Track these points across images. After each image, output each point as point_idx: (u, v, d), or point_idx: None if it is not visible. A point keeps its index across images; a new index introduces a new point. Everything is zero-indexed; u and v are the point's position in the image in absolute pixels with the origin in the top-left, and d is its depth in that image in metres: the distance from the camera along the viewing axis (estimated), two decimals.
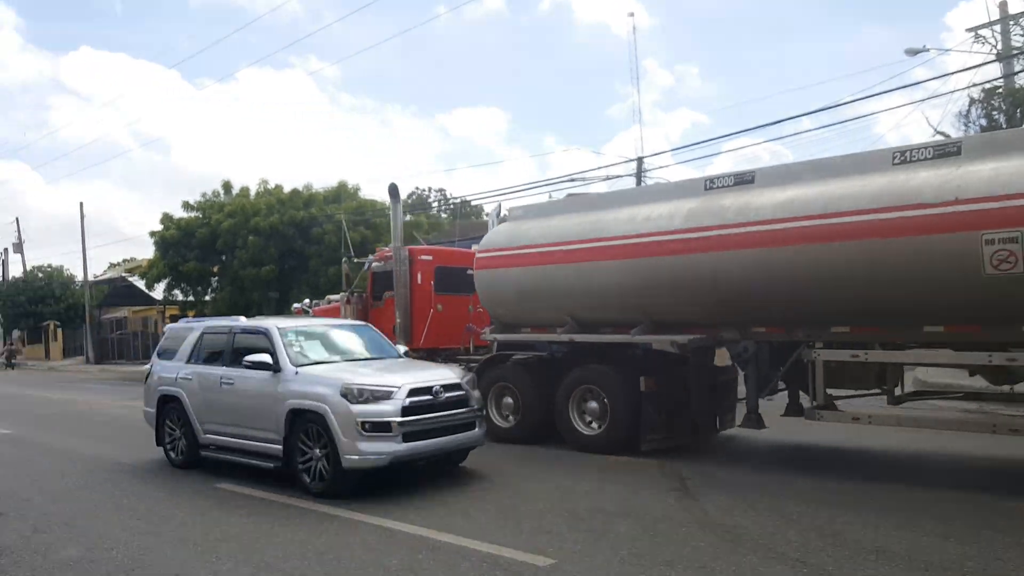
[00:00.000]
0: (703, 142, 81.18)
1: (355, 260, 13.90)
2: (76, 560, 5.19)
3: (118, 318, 41.25)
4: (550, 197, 29.29)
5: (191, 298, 28.76)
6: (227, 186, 27.27)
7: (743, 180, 7.20)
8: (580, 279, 7.94)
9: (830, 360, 6.48)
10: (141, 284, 30.88)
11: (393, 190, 11.67)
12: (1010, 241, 5.12)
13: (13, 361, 49.20)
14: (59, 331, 45.28)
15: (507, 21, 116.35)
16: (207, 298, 28.99)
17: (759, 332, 7.06)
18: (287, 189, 25.98)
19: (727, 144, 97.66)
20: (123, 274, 42.09)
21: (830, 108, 20.89)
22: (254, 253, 23.97)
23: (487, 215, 11.20)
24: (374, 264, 11.75)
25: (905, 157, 6.07)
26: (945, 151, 5.85)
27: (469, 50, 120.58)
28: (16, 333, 43.35)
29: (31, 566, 5.14)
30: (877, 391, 6.71)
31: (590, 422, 7.90)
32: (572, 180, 20.21)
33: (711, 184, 7.38)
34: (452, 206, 37.20)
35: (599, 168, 75.50)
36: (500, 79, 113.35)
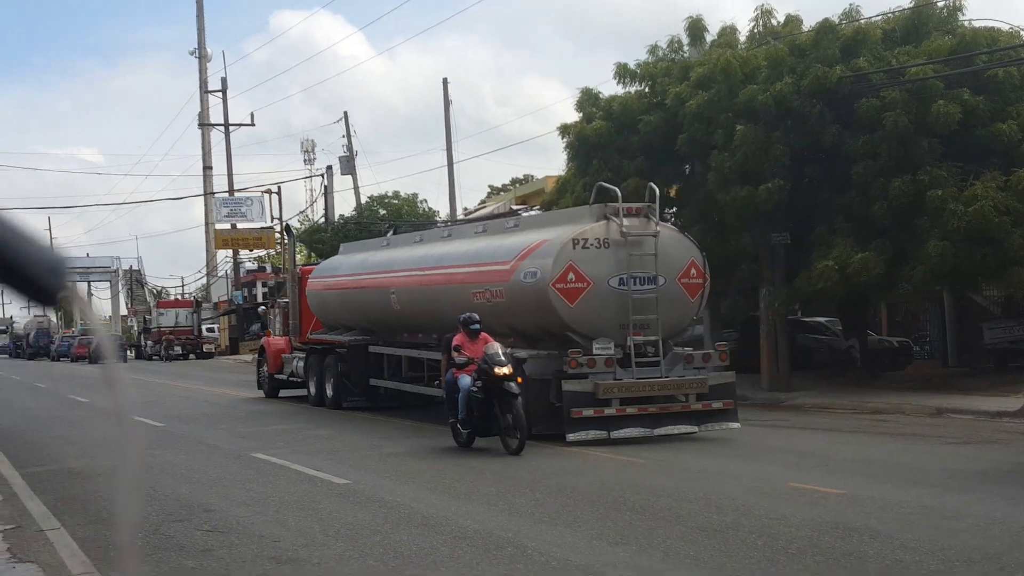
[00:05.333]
0: None
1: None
2: None
3: None
4: None
5: None
6: (695, 28, 27.64)
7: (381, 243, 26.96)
8: (340, 299, 25.71)
9: (384, 353, 24.37)
10: None
11: (288, 229, 34.30)
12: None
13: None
14: None
15: None
16: None
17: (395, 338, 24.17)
18: (807, 25, 25.83)
19: None
20: (512, 206, 45.87)
21: None
22: (744, 156, 24.04)
23: None
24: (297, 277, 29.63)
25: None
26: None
27: None
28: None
29: None
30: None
31: (334, 389, 25.47)
32: None
33: (387, 242, 26.31)
34: None
35: None
36: None
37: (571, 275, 17.24)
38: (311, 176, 68.30)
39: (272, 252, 69.32)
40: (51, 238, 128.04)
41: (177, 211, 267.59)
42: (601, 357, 17.05)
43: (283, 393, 29.42)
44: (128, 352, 74.75)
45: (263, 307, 38.13)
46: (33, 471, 16.19)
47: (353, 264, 25.83)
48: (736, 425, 17.81)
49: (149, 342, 75.91)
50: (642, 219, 17.93)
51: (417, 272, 21.85)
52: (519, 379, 15.91)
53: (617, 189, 18.70)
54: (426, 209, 56.61)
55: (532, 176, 72.67)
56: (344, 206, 57.63)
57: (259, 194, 63.90)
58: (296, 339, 28.17)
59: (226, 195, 65.61)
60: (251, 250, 67.86)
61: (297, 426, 22.09)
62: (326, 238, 51.22)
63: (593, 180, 26.95)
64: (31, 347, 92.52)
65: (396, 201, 55.07)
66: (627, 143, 26.93)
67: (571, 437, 16.70)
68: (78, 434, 21.85)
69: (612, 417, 17.04)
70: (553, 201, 30.33)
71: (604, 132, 27.00)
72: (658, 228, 17.96)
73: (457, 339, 16.64)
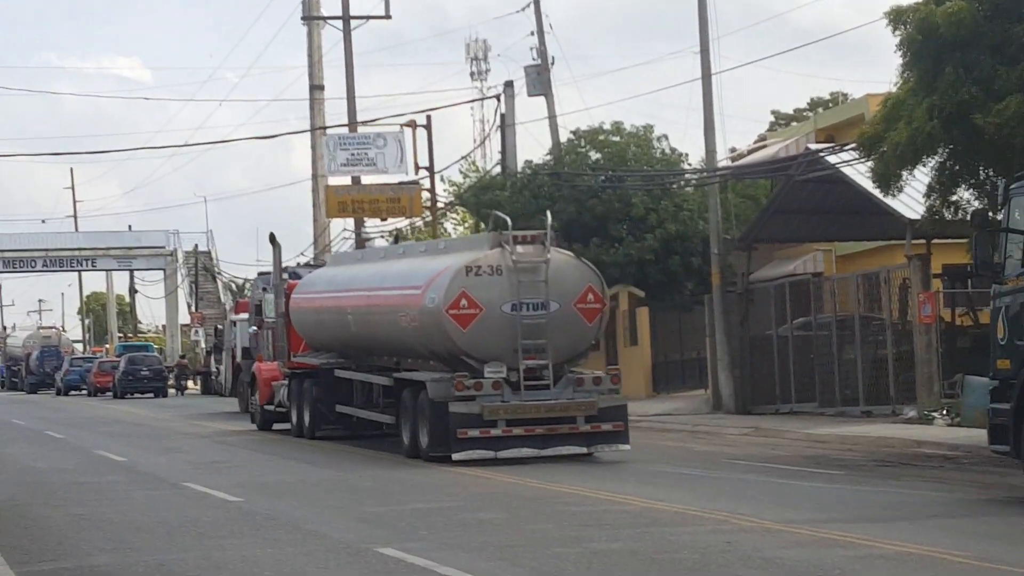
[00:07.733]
0: None
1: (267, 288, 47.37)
2: None
3: (795, 279, 45.30)
4: None
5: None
6: None
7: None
8: (316, 318, 40.10)
9: (346, 377, 37.62)
10: (859, 174, 32.54)
11: (272, 238, 44.82)
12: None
13: (182, 383, 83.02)
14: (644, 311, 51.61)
15: None
16: None
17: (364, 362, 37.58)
18: None
19: None
20: (810, 144, 45.50)
21: None
22: None
23: None
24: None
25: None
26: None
27: None
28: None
29: None
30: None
31: (309, 416, 40.10)
32: None
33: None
34: None
35: None
36: None
37: (464, 301, 27.18)
38: (481, 99, 68.01)
39: (417, 222, 68.53)
40: (75, 200, 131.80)
41: (266, 157, 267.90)
42: (488, 380, 26.95)
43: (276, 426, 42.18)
44: (186, 381, 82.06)
45: (253, 327, 49.38)
46: (34, 569, 16.26)
47: (326, 280, 37.76)
48: (627, 447, 28.22)
49: (221, 366, 69.87)
50: (536, 246, 27.88)
51: (365, 292, 32.70)
52: None
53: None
54: (667, 151, 54.76)
55: (844, 96, 70.98)
56: (533, 148, 57.41)
57: (396, 128, 61.49)
58: (283, 363, 40.53)
59: (344, 131, 63.01)
60: (383, 218, 64.42)
61: (449, 505, 22.02)
62: (503, 199, 50.42)
63: (945, 99, 26.28)
64: (33, 375, 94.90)
65: (617, 138, 53.01)
66: (1006, 37, 26.43)
67: (456, 456, 26.83)
68: (109, 512, 22.54)
69: (500, 437, 27.07)
70: (878, 137, 29.37)
71: (966, 20, 26.34)
72: (550, 255, 27.68)
73: None
